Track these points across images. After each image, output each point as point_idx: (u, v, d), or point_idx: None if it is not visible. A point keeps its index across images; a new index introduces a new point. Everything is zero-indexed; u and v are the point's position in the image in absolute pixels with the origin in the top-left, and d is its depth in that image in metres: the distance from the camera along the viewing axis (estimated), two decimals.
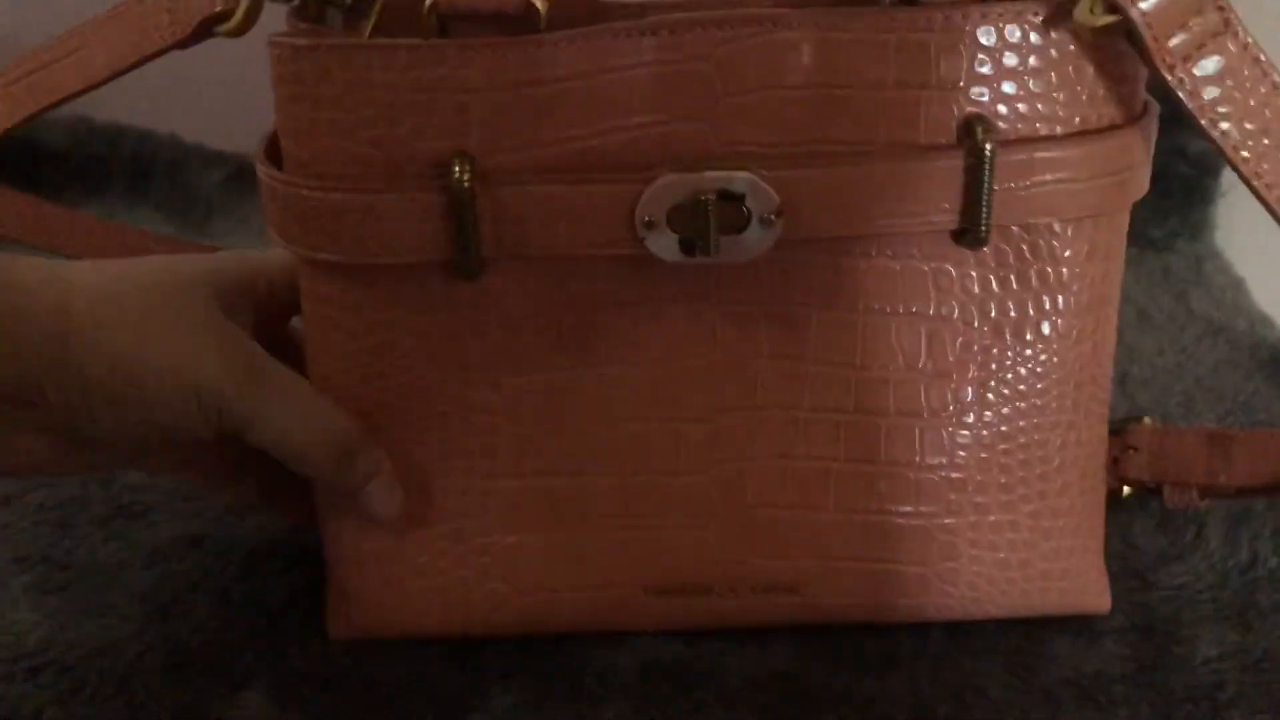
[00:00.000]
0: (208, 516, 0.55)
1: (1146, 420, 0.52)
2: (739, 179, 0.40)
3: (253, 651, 0.47)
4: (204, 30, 0.45)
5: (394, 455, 0.44)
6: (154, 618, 0.49)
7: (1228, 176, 0.82)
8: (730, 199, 0.40)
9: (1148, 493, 0.52)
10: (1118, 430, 0.50)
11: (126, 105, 0.90)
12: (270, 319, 0.46)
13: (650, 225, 0.40)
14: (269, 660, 0.47)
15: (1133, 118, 0.41)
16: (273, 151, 0.43)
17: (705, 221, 0.40)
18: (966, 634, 0.46)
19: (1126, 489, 0.51)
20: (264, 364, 0.43)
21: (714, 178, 0.40)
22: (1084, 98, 0.40)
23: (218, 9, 0.44)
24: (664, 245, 0.40)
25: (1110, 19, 0.38)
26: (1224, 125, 0.38)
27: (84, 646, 0.47)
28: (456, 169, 0.39)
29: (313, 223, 0.41)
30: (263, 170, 0.42)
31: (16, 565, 0.52)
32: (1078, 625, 0.47)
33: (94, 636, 0.48)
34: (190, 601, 0.50)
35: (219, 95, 0.90)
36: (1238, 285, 0.76)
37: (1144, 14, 0.37)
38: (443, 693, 0.45)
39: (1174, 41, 0.38)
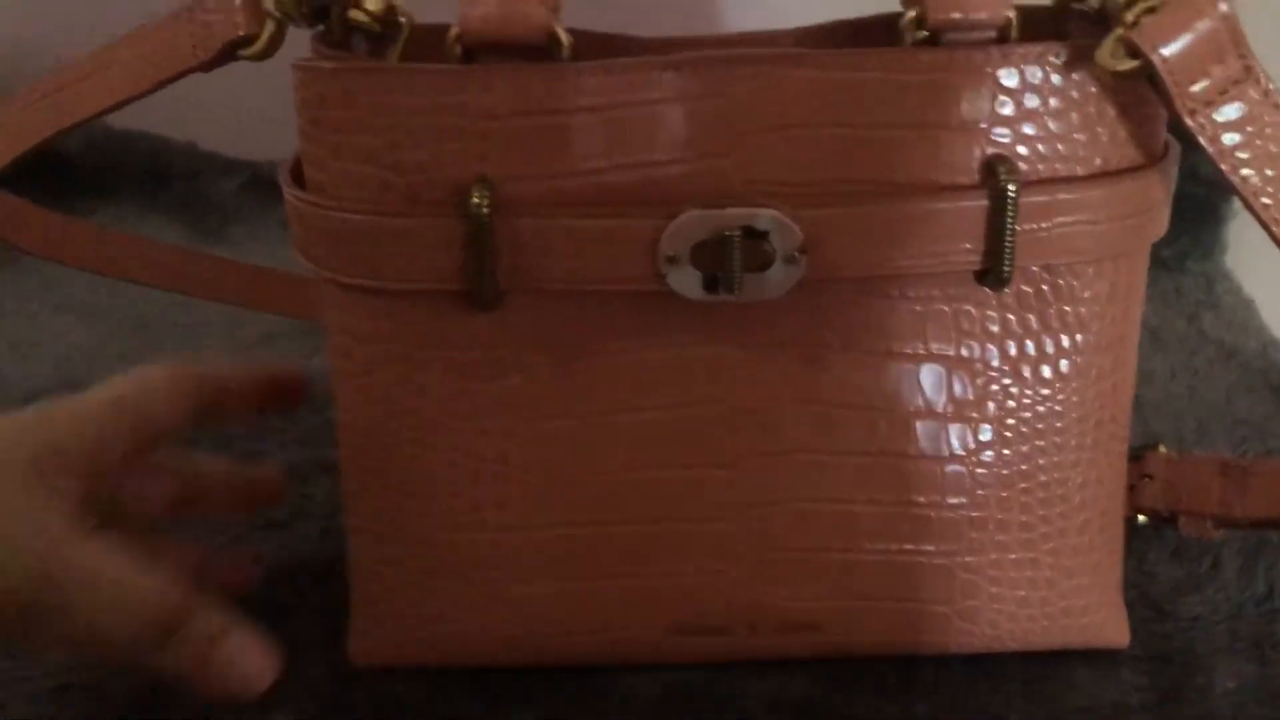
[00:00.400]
0: (231, 533, 0.55)
1: (1162, 448, 0.53)
2: (764, 216, 0.40)
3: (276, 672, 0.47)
4: (227, 53, 0.45)
5: (399, 502, 0.44)
6: None
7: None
8: (754, 236, 0.40)
9: (1163, 521, 0.52)
10: (1133, 457, 0.51)
11: (142, 112, 0.90)
12: (118, 461, 0.44)
13: (673, 261, 0.40)
14: (292, 682, 0.47)
15: (1154, 158, 0.42)
16: (298, 172, 0.43)
17: (730, 258, 0.40)
18: (986, 662, 0.47)
19: (1141, 517, 0.52)
20: (65, 553, 0.40)
21: (739, 214, 0.40)
22: (1105, 139, 0.41)
23: (241, 33, 0.44)
24: (686, 282, 0.41)
25: (1132, 64, 0.38)
26: (1245, 171, 0.38)
27: (107, 667, 0.48)
28: (475, 196, 0.40)
29: (334, 245, 0.42)
30: (288, 191, 0.43)
31: None
32: (1097, 655, 0.47)
33: None
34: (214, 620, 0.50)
35: (235, 103, 0.90)
36: (1248, 307, 0.77)
37: (1165, 60, 0.37)
38: (465, 716, 0.46)
39: (1196, 87, 0.38)
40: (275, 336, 0.73)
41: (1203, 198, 0.80)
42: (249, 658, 0.42)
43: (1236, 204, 0.82)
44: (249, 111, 0.90)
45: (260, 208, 0.90)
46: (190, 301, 0.76)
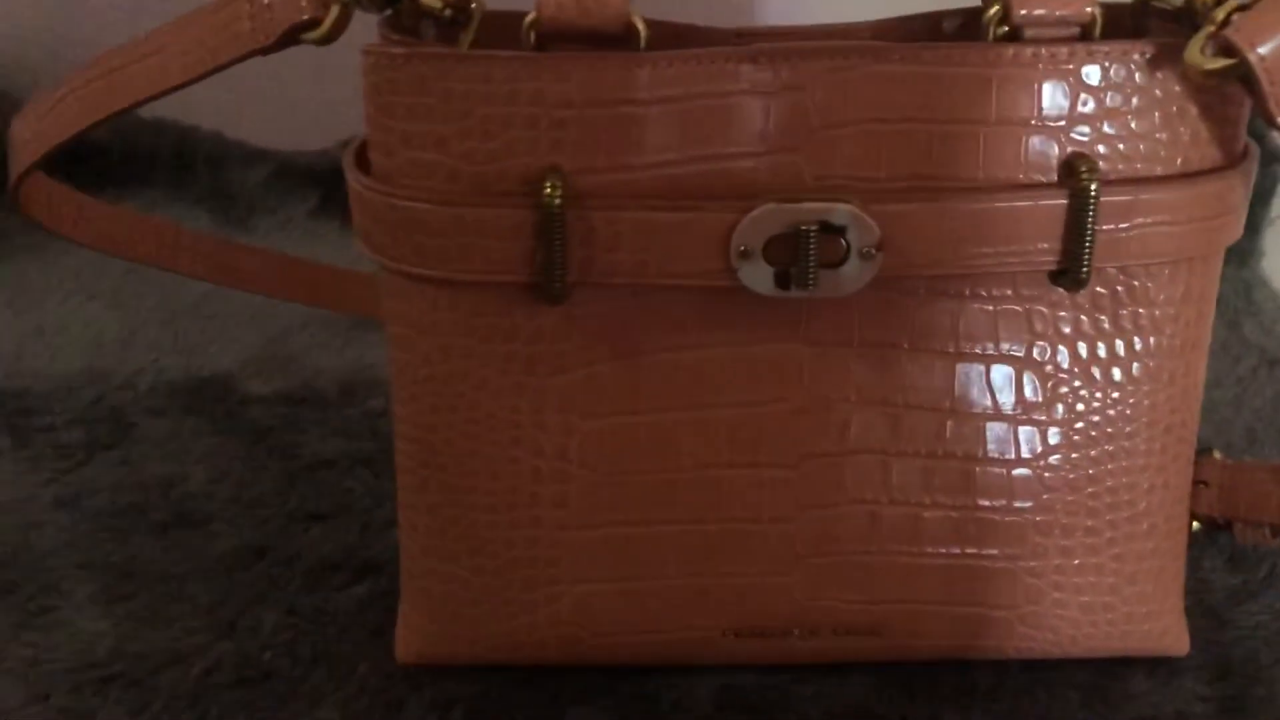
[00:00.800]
0: (270, 526, 0.55)
1: (1216, 454, 0.52)
2: (840, 210, 0.39)
3: (324, 668, 0.47)
4: (290, 37, 0.45)
5: (457, 498, 0.44)
6: (222, 631, 0.49)
7: (1276, 204, 0.81)
8: (830, 231, 0.39)
9: (1217, 528, 0.51)
10: None
11: (169, 101, 0.90)
12: None
13: (745, 255, 0.40)
14: (340, 677, 0.46)
15: (1234, 159, 0.41)
16: (363, 158, 0.42)
17: (805, 253, 0.39)
18: (1044, 669, 0.46)
19: (1195, 523, 0.51)
20: None
21: (815, 208, 0.39)
22: (1187, 138, 0.40)
23: (305, 16, 0.43)
24: (758, 277, 0.40)
25: (1225, 62, 0.37)
26: None
27: (152, 659, 0.47)
28: (548, 186, 0.39)
29: (400, 234, 0.41)
30: (352, 176, 0.42)
31: (82, 571, 0.52)
32: (1156, 663, 0.47)
33: (162, 649, 0.48)
34: (257, 614, 0.49)
35: (263, 93, 0.90)
36: None
37: (1262, 58, 0.37)
38: (517, 716, 0.45)
39: None
40: (308, 327, 0.73)
41: None
42: None
43: (1274, 210, 0.82)
44: (278, 101, 0.89)
45: (287, 198, 0.89)
46: (220, 291, 0.75)
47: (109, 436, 0.62)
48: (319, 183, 0.88)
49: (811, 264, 0.40)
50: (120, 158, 0.89)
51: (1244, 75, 0.37)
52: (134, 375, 0.67)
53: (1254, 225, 0.82)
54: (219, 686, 0.46)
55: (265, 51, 0.45)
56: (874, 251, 0.40)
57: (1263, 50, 0.37)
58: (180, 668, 0.47)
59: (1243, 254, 0.81)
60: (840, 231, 0.39)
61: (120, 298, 0.76)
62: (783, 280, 0.40)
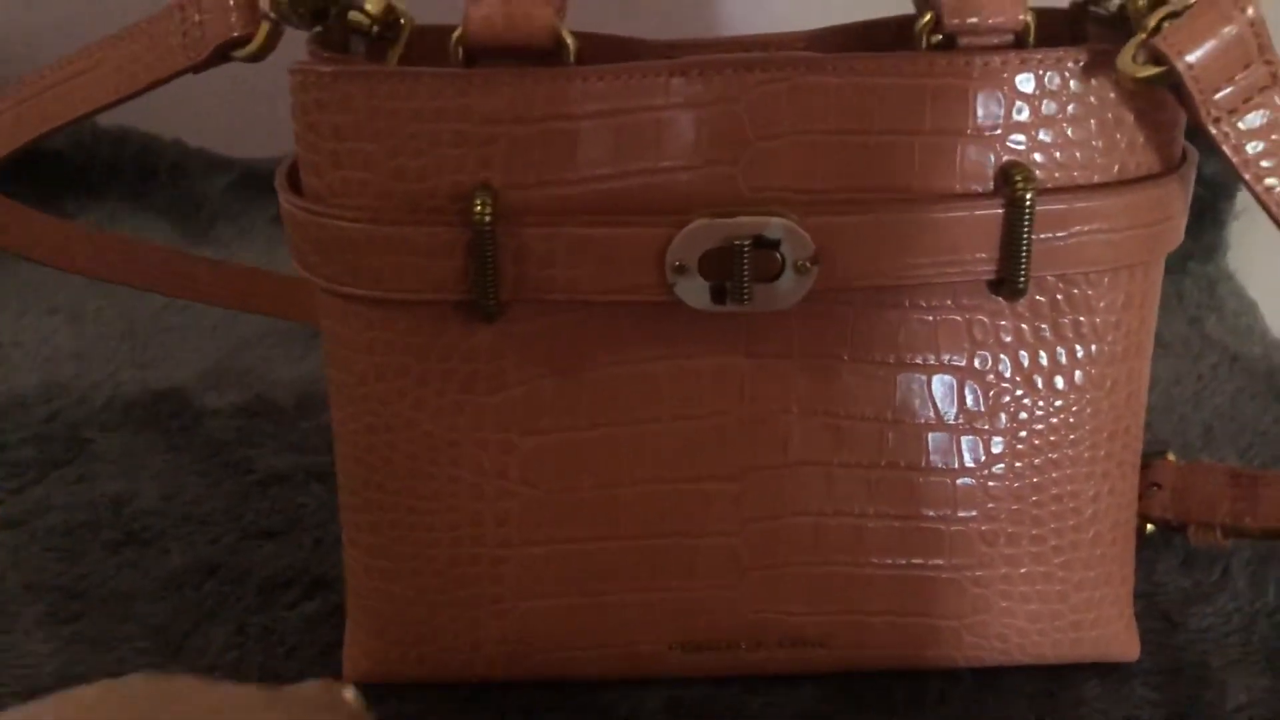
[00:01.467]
0: (222, 543, 0.54)
1: (1170, 456, 0.52)
2: (774, 224, 0.39)
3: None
4: (220, 55, 0.44)
5: (397, 517, 0.43)
6: (169, 651, 0.48)
7: (1241, 199, 0.81)
8: (765, 245, 0.39)
9: (1171, 530, 0.51)
10: (1141, 465, 0.50)
11: (130, 109, 0.89)
12: None
13: (680, 270, 0.40)
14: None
15: (1172, 166, 0.41)
16: (294, 177, 0.42)
17: (740, 268, 0.39)
18: (994, 677, 0.46)
19: (1150, 526, 0.51)
20: None
21: (748, 223, 0.39)
22: (1123, 145, 0.40)
23: (235, 34, 0.43)
24: (694, 292, 0.40)
25: (1155, 70, 0.37)
26: (1269, 180, 0.38)
27: (98, 680, 0.47)
28: (478, 204, 0.39)
29: (332, 254, 0.41)
30: (283, 197, 0.41)
31: (29, 593, 0.51)
32: (1106, 667, 0.46)
33: (108, 672, 0.47)
34: (205, 633, 0.49)
35: (224, 101, 0.89)
36: (1251, 310, 0.76)
37: (1190, 66, 0.37)
38: None
39: (1220, 94, 0.37)
40: (266, 338, 0.72)
41: (1205, 199, 0.79)
42: None
43: (1238, 205, 0.81)
44: (239, 109, 0.89)
45: (249, 206, 0.89)
46: (179, 304, 0.75)
47: (63, 454, 0.61)
48: None
49: (746, 279, 0.39)
50: (80, 169, 0.88)
51: (1174, 84, 0.37)
52: (90, 390, 0.67)
53: (1219, 220, 0.81)
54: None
55: (196, 69, 0.45)
56: (809, 265, 0.39)
57: (1191, 59, 0.36)
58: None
59: (1207, 250, 0.81)
60: (774, 245, 0.39)
61: (78, 312, 0.76)
62: (719, 295, 0.40)
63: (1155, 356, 0.68)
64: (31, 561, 0.53)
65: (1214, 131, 0.37)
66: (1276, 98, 0.37)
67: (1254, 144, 0.37)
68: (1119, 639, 0.46)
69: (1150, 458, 0.51)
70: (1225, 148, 0.37)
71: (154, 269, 0.65)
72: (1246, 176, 0.37)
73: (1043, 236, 0.39)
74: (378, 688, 0.46)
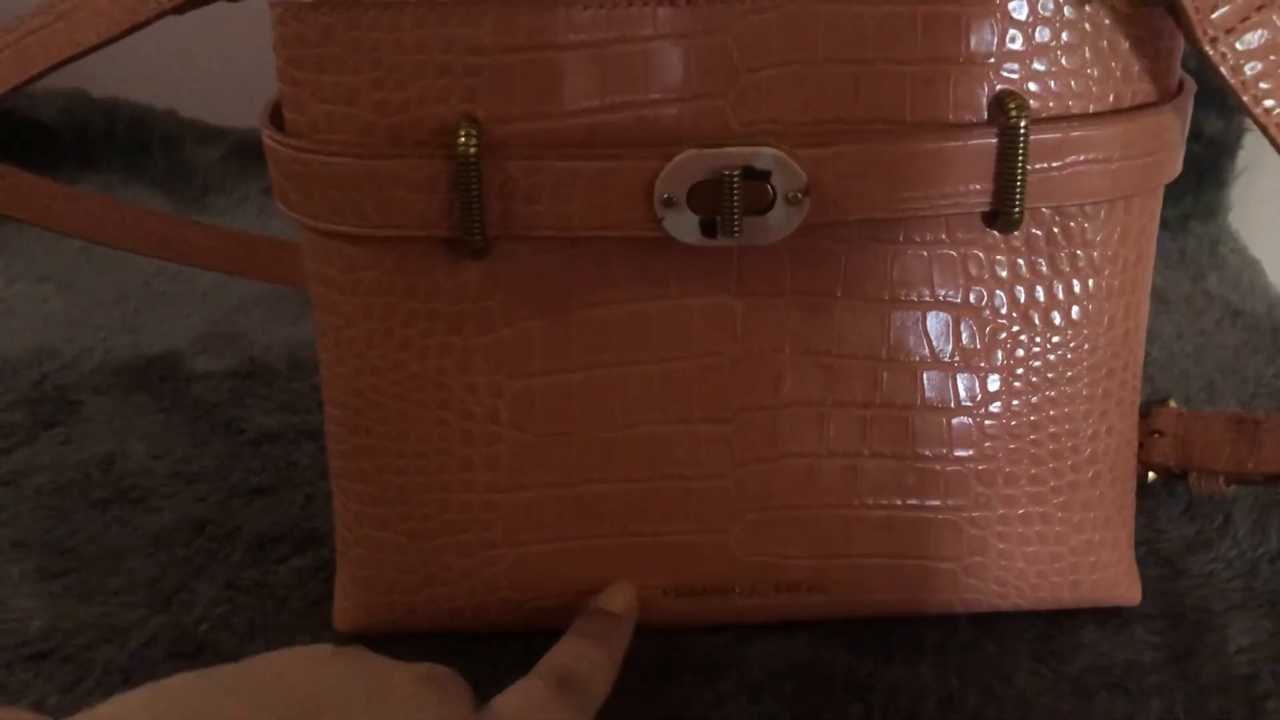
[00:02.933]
0: (211, 501, 0.54)
1: (1171, 403, 0.51)
2: (765, 155, 0.38)
3: (262, 640, 0.46)
4: None
5: (386, 463, 0.43)
6: (158, 605, 0.48)
7: (1243, 157, 0.80)
8: (755, 176, 0.38)
9: (1173, 478, 0.51)
10: (1143, 413, 0.49)
11: (124, 80, 0.89)
12: None
13: (669, 204, 0.39)
14: (278, 649, 0.45)
15: (1168, 94, 0.40)
16: (277, 115, 0.41)
17: (729, 199, 0.38)
18: (993, 622, 0.45)
19: (1151, 474, 0.50)
20: None
21: (738, 153, 0.38)
22: (1118, 73, 0.39)
23: None
24: (683, 226, 0.39)
25: None
26: (1268, 102, 0.37)
27: (86, 635, 0.46)
28: (463, 136, 0.38)
29: (315, 190, 0.40)
30: (266, 134, 0.41)
31: (17, 550, 0.51)
32: (1106, 613, 0.46)
33: (96, 625, 0.47)
34: (195, 589, 0.49)
35: (217, 71, 0.89)
36: (1254, 267, 0.75)
37: None
38: None
39: (1217, 14, 0.36)
40: (259, 303, 0.72)
41: (1206, 158, 0.78)
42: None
43: (1240, 164, 0.81)
44: (232, 80, 0.88)
45: (242, 177, 0.88)
46: (171, 270, 0.74)
47: (53, 416, 0.61)
48: None
49: (736, 210, 0.38)
50: (74, 139, 0.88)
51: (1170, 3, 0.36)
52: (81, 355, 0.66)
53: (1220, 179, 0.81)
54: (153, 660, 0.45)
55: (180, 10, 0.44)
56: (801, 196, 0.39)
57: None
58: (114, 643, 0.46)
59: (1209, 208, 0.80)
60: (765, 176, 0.38)
61: (72, 278, 0.75)
62: (708, 228, 0.39)
63: (1157, 313, 0.68)
64: (20, 520, 0.53)
65: (1210, 52, 0.36)
66: (1275, 16, 0.36)
67: (1252, 64, 0.37)
68: (1120, 582, 0.45)
69: (1152, 405, 0.51)
70: (1222, 69, 0.37)
71: (146, 233, 0.65)
72: (1245, 99, 0.37)
73: (1037, 167, 0.39)
74: (369, 639, 0.46)
